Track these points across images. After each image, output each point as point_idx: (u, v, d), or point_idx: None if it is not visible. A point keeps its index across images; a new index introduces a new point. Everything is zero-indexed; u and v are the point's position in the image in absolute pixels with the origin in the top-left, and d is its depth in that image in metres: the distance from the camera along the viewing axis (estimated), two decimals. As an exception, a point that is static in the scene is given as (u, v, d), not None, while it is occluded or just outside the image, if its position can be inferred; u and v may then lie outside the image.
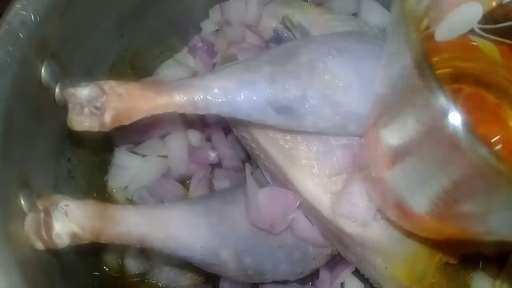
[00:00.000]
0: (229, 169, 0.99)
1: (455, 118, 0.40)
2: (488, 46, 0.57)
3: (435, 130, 0.44)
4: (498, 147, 0.57)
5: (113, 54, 0.91)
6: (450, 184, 0.47)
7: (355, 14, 1.03)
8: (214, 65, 0.99)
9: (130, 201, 0.94)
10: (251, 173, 0.82)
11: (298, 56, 0.66)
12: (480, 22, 0.55)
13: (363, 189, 0.65)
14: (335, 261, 0.88)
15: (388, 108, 0.54)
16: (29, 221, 0.60)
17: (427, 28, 0.51)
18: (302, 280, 0.85)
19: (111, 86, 0.59)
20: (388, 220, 0.67)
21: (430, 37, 0.52)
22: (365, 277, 0.81)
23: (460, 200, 0.50)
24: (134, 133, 0.98)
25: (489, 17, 0.55)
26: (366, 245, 0.70)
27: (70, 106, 0.58)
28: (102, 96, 0.58)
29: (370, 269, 0.74)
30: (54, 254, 0.68)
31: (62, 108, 0.75)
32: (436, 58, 0.56)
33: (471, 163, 0.41)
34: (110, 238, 0.64)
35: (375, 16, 1.01)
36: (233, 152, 0.99)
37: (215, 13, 1.02)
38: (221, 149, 0.99)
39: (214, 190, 0.96)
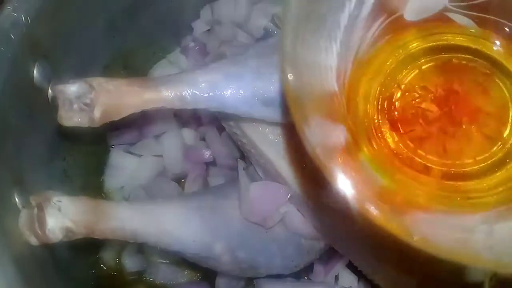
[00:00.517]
0: (223, 167, 1.00)
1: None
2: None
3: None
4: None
5: (105, 55, 0.92)
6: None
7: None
8: (206, 64, 1.00)
9: (127, 201, 0.95)
10: (244, 169, 0.83)
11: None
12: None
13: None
14: (329, 255, 0.89)
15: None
16: (23, 217, 0.61)
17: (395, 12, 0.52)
18: (297, 274, 0.86)
19: (100, 83, 0.60)
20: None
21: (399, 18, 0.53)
22: (358, 269, 0.82)
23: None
24: (129, 134, 0.99)
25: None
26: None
27: (59, 102, 0.59)
28: (91, 92, 0.59)
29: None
30: (50, 250, 0.70)
31: (55, 108, 0.77)
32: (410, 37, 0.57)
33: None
34: (103, 233, 0.65)
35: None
36: (227, 150, 1.00)
37: (206, 13, 1.03)
38: (215, 148, 1.00)
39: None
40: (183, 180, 0.99)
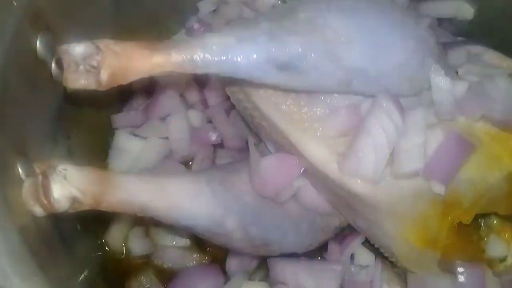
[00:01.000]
0: (231, 149, 0.97)
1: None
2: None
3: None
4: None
5: (109, 32, 0.90)
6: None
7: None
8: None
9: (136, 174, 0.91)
10: (255, 144, 0.80)
11: (296, 13, 0.65)
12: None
13: (371, 146, 0.63)
14: (344, 234, 0.86)
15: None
16: (27, 186, 0.59)
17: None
18: (311, 254, 0.83)
19: (107, 44, 0.58)
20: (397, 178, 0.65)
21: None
22: (375, 246, 0.79)
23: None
24: (134, 115, 0.97)
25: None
26: (375, 207, 0.68)
27: (64, 64, 0.57)
28: (98, 54, 0.57)
29: (380, 234, 0.72)
30: (55, 225, 0.67)
31: (60, 83, 0.75)
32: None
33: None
34: (111, 205, 0.62)
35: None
36: (236, 131, 0.97)
37: (212, -7, 1.01)
38: (223, 129, 0.97)
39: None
40: (190, 163, 0.96)
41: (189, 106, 0.99)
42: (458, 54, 0.76)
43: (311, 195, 0.76)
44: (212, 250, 0.91)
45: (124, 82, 0.58)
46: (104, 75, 0.56)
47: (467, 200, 0.69)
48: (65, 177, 0.58)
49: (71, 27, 0.78)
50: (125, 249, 0.90)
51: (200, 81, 0.98)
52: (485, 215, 0.83)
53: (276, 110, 0.71)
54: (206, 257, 0.90)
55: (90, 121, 0.90)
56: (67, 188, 0.57)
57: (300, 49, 0.62)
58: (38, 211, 0.58)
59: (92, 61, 0.56)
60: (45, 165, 0.58)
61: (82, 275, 0.78)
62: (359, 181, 0.65)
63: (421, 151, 0.64)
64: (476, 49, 0.78)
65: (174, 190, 0.67)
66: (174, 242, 0.91)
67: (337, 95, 0.68)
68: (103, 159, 0.95)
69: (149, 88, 0.98)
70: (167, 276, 0.88)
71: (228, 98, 0.99)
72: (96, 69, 0.56)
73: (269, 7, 0.96)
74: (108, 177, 0.63)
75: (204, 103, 0.99)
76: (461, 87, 0.67)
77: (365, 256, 0.83)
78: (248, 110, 0.77)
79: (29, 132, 0.69)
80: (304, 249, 0.79)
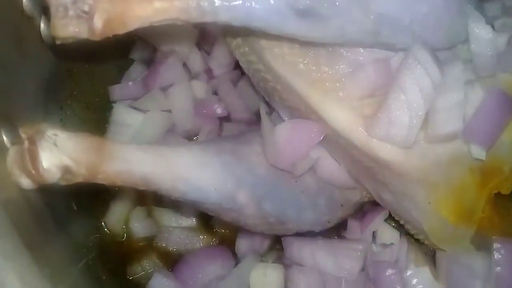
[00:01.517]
0: (239, 122, 0.90)
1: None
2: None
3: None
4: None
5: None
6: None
7: None
8: None
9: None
10: (267, 113, 0.73)
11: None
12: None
13: (404, 105, 0.55)
14: (364, 210, 0.79)
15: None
16: (12, 154, 0.51)
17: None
18: (327, 233, 0.75)
19: (101, -14, 0.49)
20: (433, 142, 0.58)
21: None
22: (400, 223, 0.72)
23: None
24: (133, 86, 0.89)
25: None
26: (406, 176, 0.61)
27: (52, 8, 0.49)
28: (90, -3, 0.49)
29: (409, 208, 0.65)
30: (46, 201, 0.60)
31: (50, 46, 0.67)
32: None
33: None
34: (108, 176, 0.55)
35: None
36: (243, 103, 0.90)
37: None
38: (230, 100, 0.90)
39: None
40: (195, 138, 0.89)
41: (192, 76, 0.91)
42: (493, 7, 0.68)
43: (331, 167, 0.69)
44: (220, 231, 0.84)
45: (121, 31, 0.50)
46: (98, 22, 0.48)
47: (508, 167, 0.61)
48: (55, 144, 0.50)
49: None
50: (126, 231, 0.83)
51: (204, 47, 0.91)
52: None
53: (293, 70, 0.63)
54: (214, 238, 0.84)
55: (85, 92, 0.83)
56: (57, 156, 0.50)
57: (323, -7, 0.54)
58: (25, 182, 0.51)
59: (84, 5, 0.48)
60: (32, 130, 0.50)
61: (82, 262, 0.71)
62: (389, 147, 0.58)
63: (460, 110, 0.57)
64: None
65: (180, 160, 0.60)
66: (180, 222, 0.84)
67: (362, 50, 0.60)
68: (101, 135, 0.87)
69: (148, 57, 0.90)
70: (172, 259, 0.82)
71: (235, 67, 0.93)
72: (89, 14, 0.48)
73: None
74: (105, 145, 0.55)
75: (209, 73, 0.92)
76: (502, 39, 0.59)
77: (389, 234, 0.76)
78: (260, 73, 0.69)
79: (16, 97, 0.61)
80: (321, 226, 0.72)
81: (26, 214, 0.54)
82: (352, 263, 0.71)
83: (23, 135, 0.50)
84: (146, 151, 0.58)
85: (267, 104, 0.76)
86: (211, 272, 0.77)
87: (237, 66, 0.89)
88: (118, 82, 0.91)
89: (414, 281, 0.71)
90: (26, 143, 0.50)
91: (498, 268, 0.65)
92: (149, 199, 0.85)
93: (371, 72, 0.59)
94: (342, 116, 0.61)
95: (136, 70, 0.92)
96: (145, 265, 0.81)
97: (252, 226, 0.67)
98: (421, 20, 0.57)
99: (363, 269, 0.73)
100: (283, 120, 0.72)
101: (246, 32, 0.64)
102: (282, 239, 0.74)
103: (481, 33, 0.57)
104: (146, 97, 0.88)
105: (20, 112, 0.62)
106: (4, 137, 0.54)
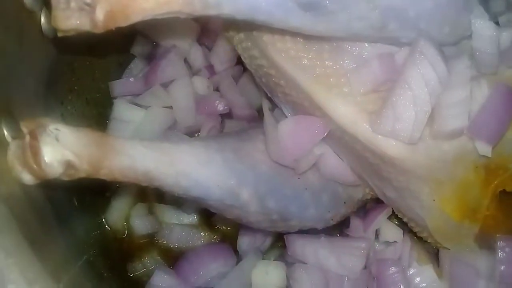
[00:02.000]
0: (241, 119, 0.89)
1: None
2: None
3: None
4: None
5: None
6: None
7: None
8: None
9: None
10: (269, 109, 0.72)
11: None
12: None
13: (410, 100, 0.55)
14: (366, 208, 0.78)
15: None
16: (13, 148, 0.50)
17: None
18: (329, 230, 0.75)
19: (103, -22, 0.49)
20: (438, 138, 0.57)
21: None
22: (404, 220, 0.71)
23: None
24: (134, 82, 0.88)
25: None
26: (410, 172, 0.60)
27: (53, 1, 0.48)
28: (93, -11, 0.48)
29: (413, 205, 0.65)
30: (47, 196, 0.59)
31: (50, 40, 0.66)
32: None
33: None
34: (111, 172, 0.54)
35: None
36: (245, 100, 0.89)
37: None
38: (232, 97, 0.89)
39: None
40: (196, 134, 0.88)
41: (193, 72, 0.91)
42: (498, 2, 0.68)
43: (334, 163, 0.68)
44: (221, 228, 0.83)
45: (124, 23, 0.50)
46: (100, 14, 0.47)
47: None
48: (57, 138, 0.50)
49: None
50: (127, 228, 0.83)
51: (205, 43, 0.90)
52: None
53: (297, 65, 0.62)
54: (215, 236, 0.83)
55: (86, 88, 0.82)
56: (59, 150, 0.49)
57: (328, -14, 0.53)
58: (27, 177, 0.50)
59: (86, -2, 0.48)
60: (33, 124, 0.50)
61: (83, 259, 0.70)
62: (393, 143, 0.58)
63: (466, 107, 0.56)
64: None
65: (183, 156, 0.59)
66: (181, 219, 0.84)
67: (366, 45, 0.59)
68: (101, 130, 0.86)
69: (149, 52, 0.89)
70: (173, 256, 0.81)
71: (237, 63, 0.93)
72: (91, 6, 0.47)
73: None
74: (108, 140, 0.55)
75: (210, 69, 0.91)
76: (505, 36, 0.58)
77: (392, 232, 0.75)
78: (263, 69, 0.68)
79: (16, 91, 0.61)
80: (324, 223, 0.72)
81: (27, 210, 0.53)
82: (354, 261, 0.71)
83: (24, 129, 0.49)
84: (149, 147, 0.58)
85: (270, 100, 0.75)
86: (213, 270, 0.77)
87: (238, 62, 0.89)
88: (119, 77, 0.90)
89: (417, 279, 0.71)
90: (27, 138, 0.49)
91: (502, 266, 0.64)
92: (151, 195, 0.84)
93: (376, 67, 0.58)
94: (347, 111, 0.60)
95: (137, 66, 0.91)
96: (146, 262, 0.81)
97: (255, 223, 0.67)
98: (426, 15, 0.56)
99: (365, 267, 0.72)
100: (286, 116, 0.71)
101: (248, 27, 0.63)
102: (284, 236, 0.74)
103: (483, 29, 0.57)
104: (147, 93, 0.87)
105: (21, 107, 0.61)
106: (5, 131, 0.53)
